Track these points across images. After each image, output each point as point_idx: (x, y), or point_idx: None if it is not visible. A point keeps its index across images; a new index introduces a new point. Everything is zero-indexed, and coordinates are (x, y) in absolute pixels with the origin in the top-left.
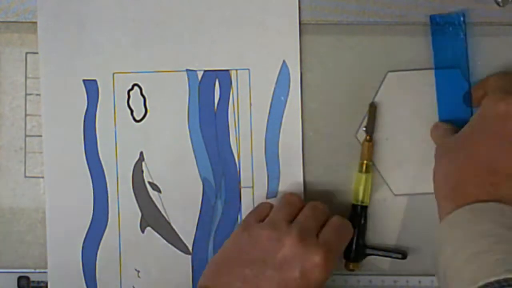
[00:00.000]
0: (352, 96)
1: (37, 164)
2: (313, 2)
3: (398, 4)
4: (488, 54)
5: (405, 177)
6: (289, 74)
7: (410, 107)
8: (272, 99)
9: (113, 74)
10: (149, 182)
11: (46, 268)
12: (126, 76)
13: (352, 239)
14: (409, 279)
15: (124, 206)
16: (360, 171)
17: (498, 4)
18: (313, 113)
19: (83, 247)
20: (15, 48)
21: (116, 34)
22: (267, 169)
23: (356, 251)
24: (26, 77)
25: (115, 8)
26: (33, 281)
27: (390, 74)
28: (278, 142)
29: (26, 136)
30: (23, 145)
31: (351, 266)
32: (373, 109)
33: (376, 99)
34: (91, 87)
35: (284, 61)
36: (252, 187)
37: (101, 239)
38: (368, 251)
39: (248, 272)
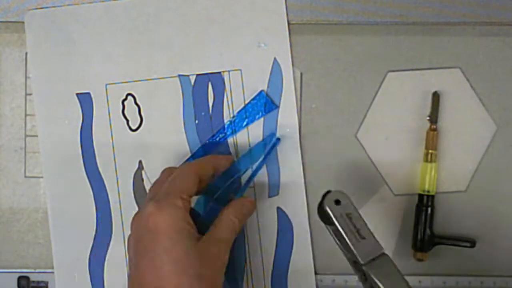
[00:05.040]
0: (352, 96)
1: (37, 164)
2: (313, 2)
3: (398, 4)
4: (488, 54)
5: (405, 177)
6: (281, 71)
7: (410, 107)
8: (266, 98)
9: (106, 85)
10: None
11: (46, 268)
12: (119, 87)
13: (420, 228)
14: (409, 279)
15: (127, 217)
16: (426, 160)
17: None
18: (313, 113)
19: (89, 261)
20: (15, 48)
21: (106, 46)
22: (267, 169)
23: (424, 240)
24: (26, 77)
25: (103, 20)
26: (33, 281)
27: (390, 74)
28: (276, 140)
29: (26, 136)
30: (23, 145)
31: (419, 256)
32: (436, 97)
33: (376, 99)
34: (85, 100)
35: (275, 58)
36: (253, 187)
37: (106, 252)
38: (437, 240)
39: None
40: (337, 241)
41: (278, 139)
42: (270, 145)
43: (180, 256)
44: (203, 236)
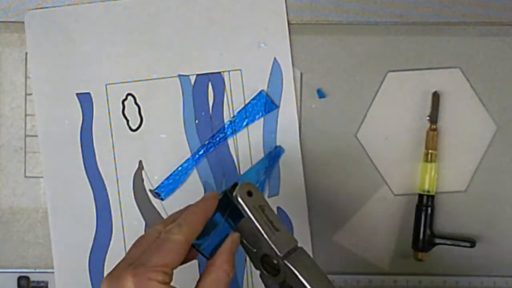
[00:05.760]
0: (352, 96)
1: (37, 164)
2: (313, 2)
3: (398, 4)
4: (488, 54)
5: (405, 177)
6: (281, 71)
7: (410, 107)
8: (266, 98)
9: (106, 85)
10: (150, 190)
11: (46, 268)
12: (119, 87)
13: (420, 228)
14: (409, 279)
15: (127, 216)
16: (426, 160)
17: None
18: (313, 113)
19: (89, 260)
20: (15, 48)
21: (106, 46)
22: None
23: (424, 240)
24: (26, 77)
25: (103, 20)
26: (33, 281)
27: (390, 74)
28: (276, 140)
29: (26, 136)
30: (23, 145)
31: (419, 256)
32: (436, 97)
33: (376, 99)
34: (85, 100)
35: (275, 58)
36: None
37: (107, 251)
38: (437, 240)
39: None
40: (245, 238)
41: (282, 149)
42: (272, 158)
43: None
44: None
